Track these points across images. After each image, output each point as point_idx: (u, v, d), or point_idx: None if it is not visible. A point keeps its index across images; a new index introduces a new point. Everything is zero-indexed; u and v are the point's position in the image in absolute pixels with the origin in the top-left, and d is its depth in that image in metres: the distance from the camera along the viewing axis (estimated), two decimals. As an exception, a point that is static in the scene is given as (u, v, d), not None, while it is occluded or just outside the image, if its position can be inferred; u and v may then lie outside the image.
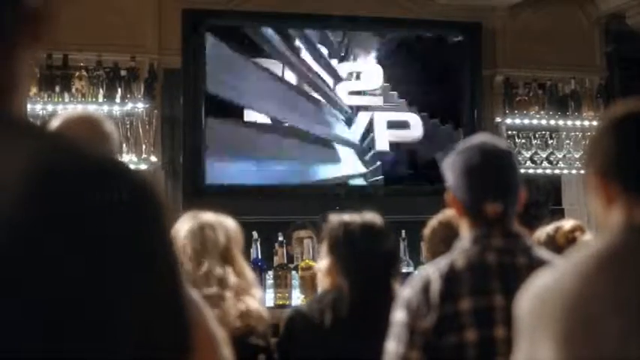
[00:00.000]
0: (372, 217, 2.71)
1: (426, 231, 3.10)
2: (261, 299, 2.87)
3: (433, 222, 3.08)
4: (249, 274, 2.79)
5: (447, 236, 2.89)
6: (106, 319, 0.70)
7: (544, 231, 3.07)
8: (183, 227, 2.74)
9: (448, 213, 2.98)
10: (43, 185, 0.70)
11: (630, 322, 1.21)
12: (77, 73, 4.97)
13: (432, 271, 2.12)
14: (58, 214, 0.70)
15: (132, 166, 4.94)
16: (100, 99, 5.01)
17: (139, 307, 0.72)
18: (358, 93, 5.59)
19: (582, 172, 5.06)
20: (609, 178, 1.35)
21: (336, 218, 2.70)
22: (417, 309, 2.06)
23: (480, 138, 2.25)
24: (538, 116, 5.75)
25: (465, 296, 2.05)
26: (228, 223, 2.79)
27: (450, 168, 2.22)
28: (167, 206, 0.79)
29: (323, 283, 2.75)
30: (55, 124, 2.12)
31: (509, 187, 2.19)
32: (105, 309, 0.70)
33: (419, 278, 2.13)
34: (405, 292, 2.12)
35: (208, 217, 2.78)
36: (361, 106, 5.62)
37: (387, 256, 2.71)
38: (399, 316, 2.10)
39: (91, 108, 4.83)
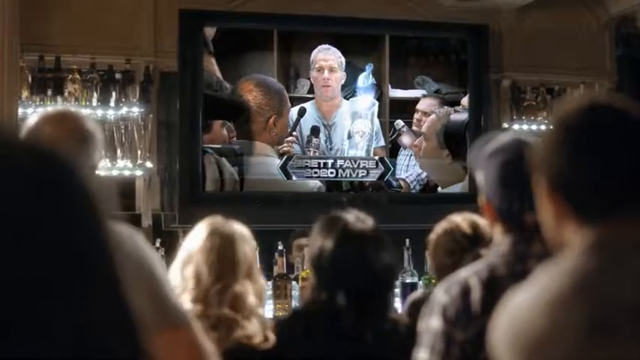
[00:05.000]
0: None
1: (430, 240, 2.91)
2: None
3: (438, 230, 2.89)
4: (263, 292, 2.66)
5: (451, 249, 2.75)
6: (30, 319, 0.67)
7: None
8: (200, 236, 2.56)
9: (454, 219, 2.84)
10: None
11: (617, 346, 1.13)
12: (70, 76, 4.88)
13: (469, 275, 1.97)
14: None
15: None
16: (94, 103, 4.93)
17: (70, 308, 0.69)
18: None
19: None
20: (560, 193, 1.27)
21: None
22: (456, 318, 1.91)
23: (512, 136, 2.10)
24: (546, 122, 5.60)
25: None
26: (247, 233, 2.62)
27: (483, 170, 2.06)
28: (100, 197, 0.73)
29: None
30: (32, 122, 2.04)
31: None
32: (28, 309, 0.67)
33: (455, 283, 1.97)
34: (441, 298, 1.95)
35: (230, 226, 2.59)
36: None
37: (382, 265, 2.53)
38: (433, 323, 1.94)
39: (85, 112, 4.72)
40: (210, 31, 5.19)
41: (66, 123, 2.02)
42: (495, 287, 1.90)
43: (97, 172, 2.13)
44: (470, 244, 2.71)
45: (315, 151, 5.36)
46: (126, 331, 0.75)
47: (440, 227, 2.88)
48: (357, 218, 2.48)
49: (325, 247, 2.40)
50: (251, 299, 2.51)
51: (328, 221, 2.47)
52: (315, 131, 5.39)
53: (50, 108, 2.08)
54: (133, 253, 1.84)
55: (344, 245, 2.39)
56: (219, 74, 5.21)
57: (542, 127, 5.58)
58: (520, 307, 1.22)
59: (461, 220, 2.81)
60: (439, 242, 2.84)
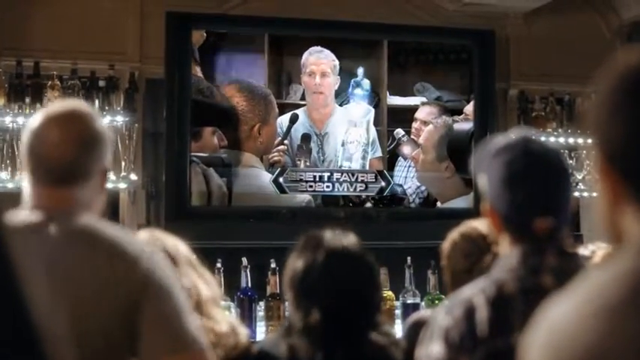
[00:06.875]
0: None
1: (445, 247, 2.70)
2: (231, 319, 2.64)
3: (454, 235, 2.71)
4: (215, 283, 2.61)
5: (469, 251, 2.57)
6: None
7: None
8: None
9: (471, 223, 2.65)
10: None
11: None
12: (50, 83, 4.71)
13: (474, 293, 1.78)
14: None
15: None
16: (76, 111, 4.73)
17: None
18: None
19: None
20: (616, 168, 1.05)
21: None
22: (460, 342, 1.74)
23: (520, 134, 1.90)
24: (556, 134, 5.47)
25: (521, 328, 1.67)
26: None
27: (486, 171, 1.87)
28: None
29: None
30: (36, 123, 1.94)
31: (562, 197, 1.86)
32: None
33: (458, 303, 1.80)
34: (442, 321, 1.79)
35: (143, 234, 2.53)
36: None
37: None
38: (435, 350, 1.77)
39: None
40: (196, 38, 4.99)
41: (74, 124, 1.93)
42: (504, 306, 1.75)
43: (108, 175, 2.03)
44: (488, 245, 2.55)
45: (305, 161, 5.12)
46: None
47: (456, 232, 2.70)
48: (336, 237, 2.45)
49: (296, 266, 2.40)
50: (204, 290, 2.46)
51: (305, 240, 2.46)
52: (305, 139, 5.16)
53: (56, 105, 1.94)
54: (149, 275, 1.80)
55: (313, 264, 2.38)
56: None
57: (551, 139, 5.38)
58: (562, 319, 1.02)
59: (478, 223, 2.64)
60: (456, 245, 2.68)
